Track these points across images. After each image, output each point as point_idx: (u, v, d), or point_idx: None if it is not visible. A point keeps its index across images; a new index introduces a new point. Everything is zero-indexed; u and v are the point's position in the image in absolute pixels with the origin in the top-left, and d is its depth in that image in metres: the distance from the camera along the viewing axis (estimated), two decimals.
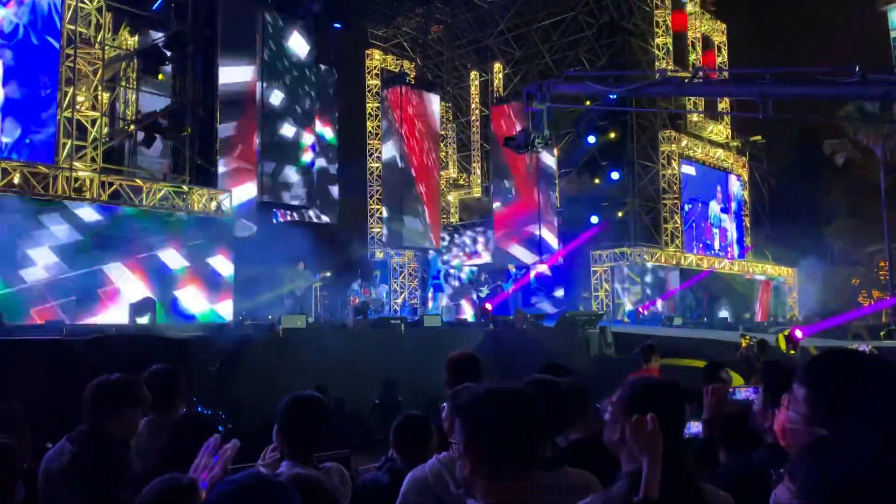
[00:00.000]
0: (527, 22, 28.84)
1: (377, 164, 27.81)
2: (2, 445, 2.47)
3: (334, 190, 24.67)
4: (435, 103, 26.83)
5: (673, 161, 28.05)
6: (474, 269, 29.22)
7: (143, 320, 13.30)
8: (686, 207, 28.63)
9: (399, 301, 28.34)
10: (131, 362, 4.08)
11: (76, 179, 14.73)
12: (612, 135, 27.38)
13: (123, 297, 14.51)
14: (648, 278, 26.68)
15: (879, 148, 30.45)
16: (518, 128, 18.78)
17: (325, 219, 23.90)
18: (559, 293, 26.06)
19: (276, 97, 19.58)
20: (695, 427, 3.18)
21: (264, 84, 19.21)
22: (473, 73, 32.32)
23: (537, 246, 25.03)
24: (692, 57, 29.36)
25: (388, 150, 26.06)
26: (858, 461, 1.38)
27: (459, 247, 29.73)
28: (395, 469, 3.38)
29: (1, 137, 14.34)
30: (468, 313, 26.56)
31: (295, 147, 19.92)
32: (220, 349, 10.75)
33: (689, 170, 29.09)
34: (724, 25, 32.57)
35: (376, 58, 29.29)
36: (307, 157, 20.29)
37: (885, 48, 30.99)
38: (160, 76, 18.45)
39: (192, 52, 18.40)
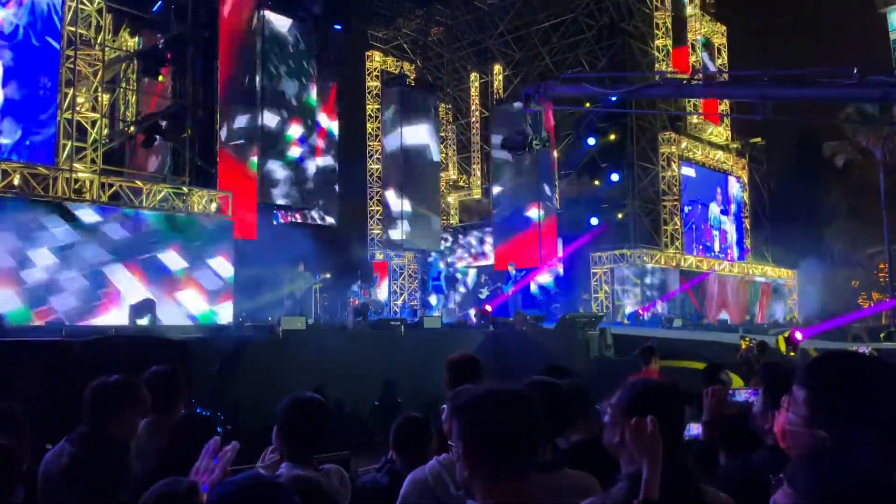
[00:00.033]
0: (527, 24, 28.85)
1: (377, 166, 27.83)
2: (1, 447, 2.47)
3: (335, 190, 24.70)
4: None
5: (673, 163, 28.06)
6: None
7: (143, 321, 13.30)
8: (686, 209, 28.64)
9: (399, 303, 28.33)
10: (131, 363, 4.08)
11: (76, 181, 14.74)
12: (612, 136, 27.39)
13: (124, 299, 14.53)
14: (648, 280, 26.68)
15: (879, 150, 30.46)
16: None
17: (329, 220, 23.90)
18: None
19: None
20: (695, 429, 3.18)
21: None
22: (473, 75, 32.34)
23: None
24: (692, 59, 29.37)
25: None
26: (858, 467, 1.39)
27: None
28: (395, 471, 3.38)
29: (0, 139, 14.35)
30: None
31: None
32: (219, 350, 10.75)
33: (688, 171, 29.10)
34: (724, 27, 32.59)
35: (376, 59, 29.31)
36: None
37: (885, 50, 31.00)
38: (160, 78, 18.46)
39: (192, 53, 18.42)
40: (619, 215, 27.04)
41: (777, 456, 2.02)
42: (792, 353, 12.36)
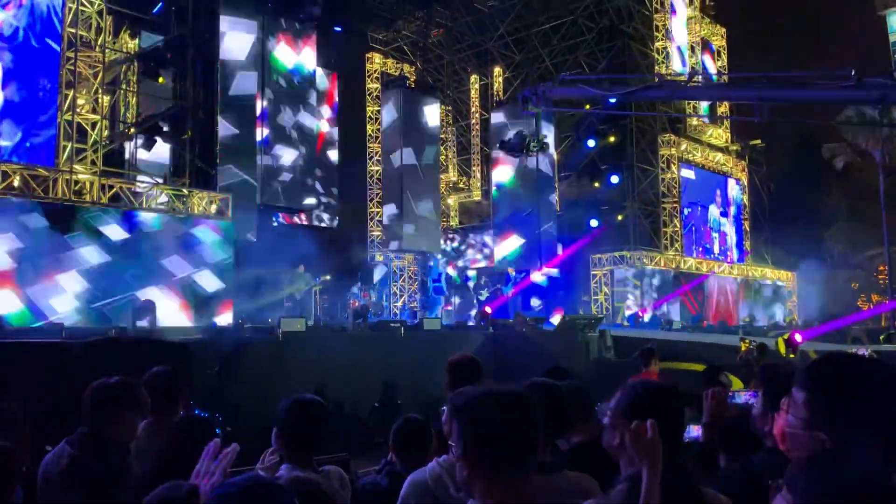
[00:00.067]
0: (527, 26, 28.87)
1: (377, 168, 27.83)
2: (1, 448, 2.47)
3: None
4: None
5: (672, 165, 28.07)
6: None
7: (143, 323, 13.30)
8: (685, 211, 28.65)
9: (399, 304, 28.32)
10: (131, 365, 4.08)
11: (76, 182, 14.74)
12: (612, 138, 27.40)
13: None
14: (648, 282, 26.68)
15: (878, 152, 30.49)
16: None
17: (329, 221, 23.91)
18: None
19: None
20: (694, 431, 3.18)
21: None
22: (473, 77, 32.36)
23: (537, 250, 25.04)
24: (692, 61, 29.38)
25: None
26: (858, 470, 1.39)
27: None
28: (395, 472, 3.38)
29: (0, 140, 14.36)
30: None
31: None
32: (219, 352, 10.74)
33: (688, 173, 29.10)
34: (723, 29, 32.61)
35: (376, 61, 29.32)
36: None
37: (885, 52, 31.03)
38: (160, 79, 18.47)
39: (193, 55, 18.43)
40: (619, 217, 27.04)
41: (777, 458, 2.02)
42: (791, 355, 12.37)
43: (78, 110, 15.00)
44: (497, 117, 26.88)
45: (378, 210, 27.62)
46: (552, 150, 25.82)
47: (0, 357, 8.65)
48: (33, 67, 14.76)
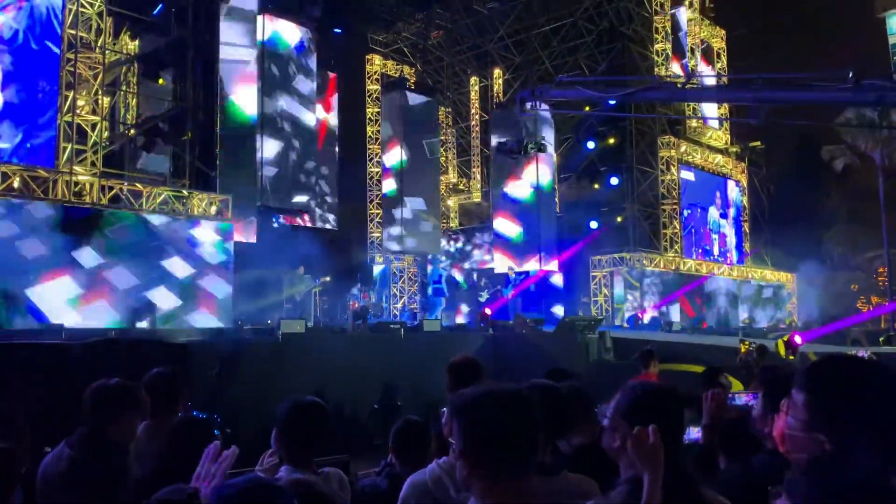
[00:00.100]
0: (526, 28, 28.89)
1: (377, 169, 27.84)
2: (0, 449, 2.47)
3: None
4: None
5: (672, 166, 28.07)
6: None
7: (143, 324, 13.30)
8: (685, 213, 28.65)
9: (398, 306, 28.32)
10: (130, 366, 4.08)
11: (76, 184, 14.74)
12: (612, 140, 27.41)
13: None
14: (647, 283, 26.68)
15: (878, 153, 30.49)
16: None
17: (329, 223, 23.91)
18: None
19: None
20: (694, 433, 3.18)
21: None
22: (473, 79, 32.37)
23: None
24: (691, 63, 29.40)
25: None
26: (858, 473, 1.39)
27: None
28: (395, 474, 3.38)
29: (0, 142, 14.37)
30: None
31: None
32: (219, 353, 10.74)
33: (687, 175, 29.11)
34: (723, 31, 32.63)
35: (376, 63, 29.33)
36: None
37: (884, 54, 31.07)
38: (160, 81, 18.48)
39: (193, 56, 18.44)
40: (619, 219, 27.04)
41: (777, 460, 2.02)
42: (791, 357, 12.38)
43: (78, 111, 15.00)
44: (497, 119, 26.88)
45: (378, 211, 27.62)
46: (552, 151, 25.85)
47: (0, 358, 8.65)
48: (33, 70, 14.78)
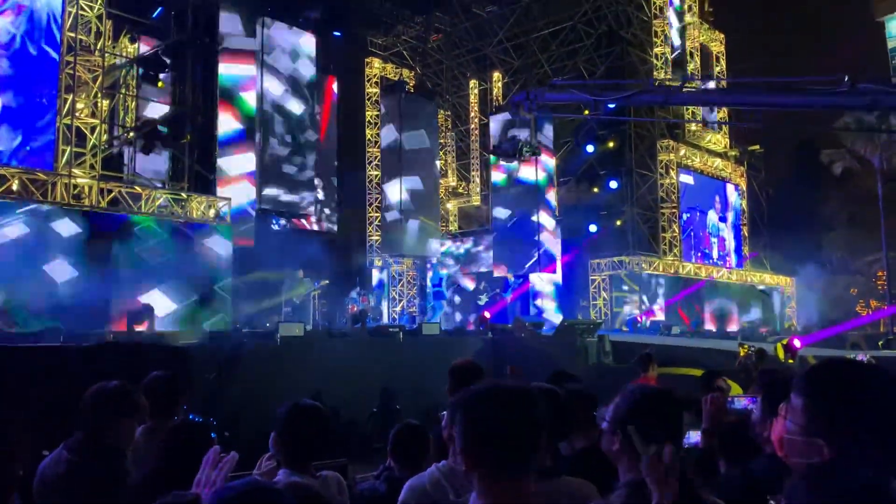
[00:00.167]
0: (526, 31, 28.92)
1: (377, 172, 27.84)
2: None
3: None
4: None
5: (671, 170, 28.09)
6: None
7: (141, 327, 13.29)
8: (684, 216, 28.66)
9: (397, 309, 28.30)
10: (129, 369, 4.08)
11: (75, 186, 14.74)
12: (611, 144, 27.44)
13: None
14: (647, 287, 26.68)
15: (877, 157, 30.55)
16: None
17: (328, 226, 23.89)
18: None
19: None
20: (694, 437, 3.18)
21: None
22: (472, 82, 32.40)
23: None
24: (690, 67, 29.44)
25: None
26: (857, 479, 1.38)
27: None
28: (393, 478, 3.37)
29: None
30: None
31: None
32: (218, 357, 10.74)
33: (687, 179, 29.13)
34: (722, 35, 32.68)
35: (376, 66, 29.34)
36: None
37: (883, 58, 31.15)
38: (159, 83, 18.49)
39: (192, 59, 18.45)
40: (618, 222, 27.05)
41: (776, 464, 2.02)
42: (790, 361, 12.37)
43: (77, 114, 15.01)
44: (496, 122, 26.90)
45: (377, 215, 27.62)
46: (552, 155, 25.88)
47: None
48: (31, 74, 14.77)
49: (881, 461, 1.43)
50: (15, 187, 13.93)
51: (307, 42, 21.23)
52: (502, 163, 22.15)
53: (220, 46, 18.62)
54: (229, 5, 18.99)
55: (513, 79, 30.52)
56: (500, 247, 26.09)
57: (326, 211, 23.82)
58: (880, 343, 20.46)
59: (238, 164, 18.87)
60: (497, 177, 26.68)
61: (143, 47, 19.12)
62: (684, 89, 13.26)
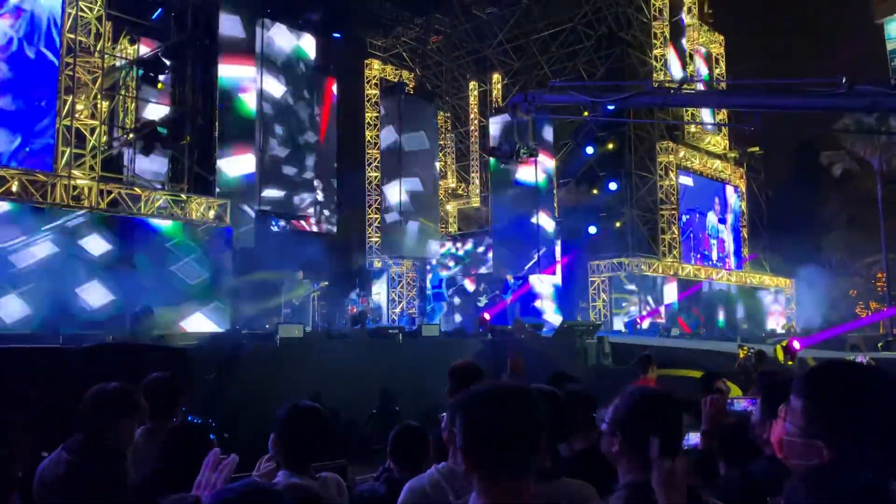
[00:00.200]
0: (525, 33, 28.95)
1: (376, 174, 27.85)
2: None
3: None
4: None
5: (671, 172, 28.11)
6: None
7: (142, 328, 13.27)
8: (684, 218, 28.67)
9: (397, 311, 28.28)
10: (128, 371, 4.08)
11: (75, 188, 14.74)
12: (610, 146, 27.47)
13: None
14: (646, 289, 26.69)
15: (876, 159, 30.57)
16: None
17: (327, 227, 23.87)
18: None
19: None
20: (693, 438, 3.18)
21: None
22: (472, 84, 32.41)
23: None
24: (690, 69, 29.45)
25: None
26: (857, 481, 1.38)
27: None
28: (393, 479, 3.37)
29: None
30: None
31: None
32: (217, 358, 10.73)
33: (686, 181, 29.15)
34: (721, 37, 32.72)
35: (375, 67, 29.36)
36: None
37: (883, 59, 31.18)
38: (159, 85, 18.50)
39: (192, 61, 18.45)
40: (617, 224, 27.07)
41: (776, 466, 2.02)
42: (790, 363, 12.37)
43: (77, 116, 15.01)
44: (495, 124, 26.92)
45: (376, 216, 27.63)
46: (551, 156, 25.89)
47: None
48: (31, 77, 14.77)
49: (881, 463, 1.43)
50: (14, 188, 13.93)
51: (307, 43, 21.24)
52: (501, 165, 22.18)
53: (219, 48, 18.61)
54: (229, 7, 19.01)
55: (512, 80, 30.53)
56: (500, 248, 26.08)
57: (326, 212, 23.78)
58: (880, 345, 20.48)
59: (237, 165, 18.88)
60: (497, 178, 26.67)
61: (143, 49, 19.11)
62: (682, 90, 13.27)
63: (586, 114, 20.69)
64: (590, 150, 27.57)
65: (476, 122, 32.36)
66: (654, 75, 26.92)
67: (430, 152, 27.36)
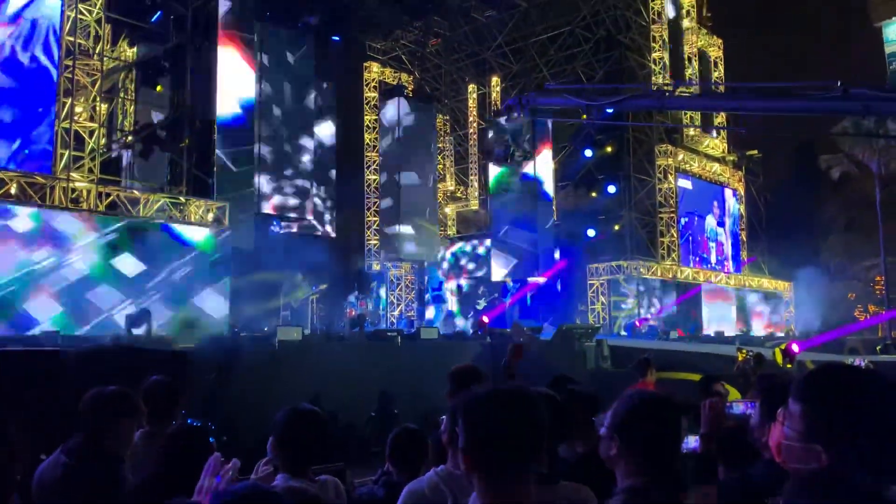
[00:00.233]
0: (524, 36, 28.98)
1: (375, 177, 27.86)
2: None
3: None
4: None
5: (669, 175, 28.12)
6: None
7: (139, 331, 13.27)
8: (682, 221, 28.68)
9: (396, 313, 28.28)
10: (128, 373, 4.07)
11: (73, 190, 14.73)
12: (609, 149, 27.47)
13: None
14: (645, 292, 26.69)
15: (875, 162, 30.61)
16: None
17: (327, 230, 23.90)
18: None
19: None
20: (692, 441, 3.17)
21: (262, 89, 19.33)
22: (471, 87, 32.44)
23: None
24: (688, 72, 29.49)
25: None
26: (856, 485, 1.38)
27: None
28: (392, 482, 3.37)
29: None
30: None
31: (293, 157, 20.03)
32: (215, 361, 10.71)
33: (685, 184, 29.16)
34: (720, 40, 32.76)
35: (374, 70, 29.39)
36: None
37: (881, 63, 31.23)
38: (158, 88, 18.51)
39: (191, 64, 18.46)
40: (616, 227, 27.07)
41: (775, 469, 2.02)
42: (788, 366, 12.36)
43: (75, 118, 15.00)
44: (494, 127, 26.95)
45: (375, 219, 27.63)
46: (550, 159, 25.90)
47: None
48: (30, 83, 14.76)
49: (879, 467, 1.43)
50: (13, 191, 13.93)
51: (306, 47, 21.25)
52: (499, 167, 22.20)
53: (218, 50, 18.61)
54: (228, 9, 18.99)
55: (511, 83, 30.56)
56: (499, 251, 26.09)
57: (325, 215, 23.81)
58: (878, 348, 20.47)
59: (236, 167, 18.85)
60: (496, 181, 26.71)
61: (142, 51, 19.12)
62: (677, 93, 13.31)
63: (584, 116, 20.76)
64: (588, 153, 27.58)
65: (475, 124, 32.40)
66: (653, 78, 26.94)
67: (429, 155, 27.37)
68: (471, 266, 28.76)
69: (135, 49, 19.64)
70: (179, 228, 16.20)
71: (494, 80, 31.47)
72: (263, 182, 19.62)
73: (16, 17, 14.76)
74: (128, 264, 14.99)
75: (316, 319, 22.89)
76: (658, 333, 23.52)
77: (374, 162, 27.97)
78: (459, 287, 28.62)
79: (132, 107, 19.32)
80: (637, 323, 25.30)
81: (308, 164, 21.15)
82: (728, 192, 32.55)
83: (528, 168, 24.07)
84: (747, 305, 31.71)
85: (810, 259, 33.61)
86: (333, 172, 25.08)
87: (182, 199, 16.74)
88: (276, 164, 20.12)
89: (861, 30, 34.16)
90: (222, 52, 18.62)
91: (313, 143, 21.80)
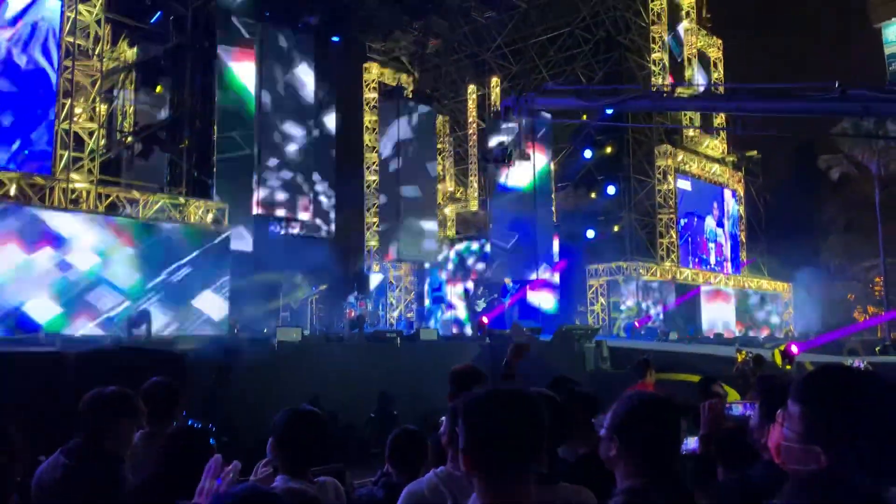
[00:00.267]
0: (524, 37, 29.00)
1: (374, 178, 27.86)
2: None
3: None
4: None
5: (669, 176, 28.12)
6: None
7: (139, 332, 13.28)
8: (682, 222, 28.69)
9: (395, 315, 28.26)
10: (126, 375, 4.07)
11: (73, 191, 14.73)
12: (609, 149, 27.48)
13: None
14: (644, 293, 26.68)
15: (874, 163, 30.63)
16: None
17: (326, 231, 23.88)
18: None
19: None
20: (692, 443, 3.17)
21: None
22: (471, 87, 32.44)
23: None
24: (688, 73, 29.49)
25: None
26: (855, 486, 1.39)
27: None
28: (391, 484, 3.37)
29: None
30: None
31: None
32: (214, 362, 10.71)
33: (684, 184, 29.17)
34: (720, 41, 32.76)
35: (374, 71, 29.38)
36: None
37: (881, 64, 31.25)
38: (158, 88, 18.51)
39: (191, 64, 18.46)
40: (616, 228, 27.08)
41: (774, 470, 2.02)
42: (788, 367, 12.36)
43: (75, 119, 14.99)
44: (494, 127, 26.93)
45: (375, 220, 27.63)
46: (550, 160, 25.90)
47: None
48: (29, 86, 14.77)
49: (878, 468, 1.43)
50: (13, 192, 13.93)
51: (306, 47, 21.25)
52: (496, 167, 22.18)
53: (218, 51, 18.62)
54: (228, 10, 19.01)
55: (511, 84, 30.54)
56: (499, 252, 26.06)
57: (325, 216, 23.79)
58: (877, 349, 20.46)
59: (236, 168, 18.86)
60: (496, 182, 26.68)
61: (142, 52, 19.12)
62: (676, 94, 13.33)
63: (584, 117, 20.78)
64: (588, 153, 27.58)
65: (474, 125, 32.39)
66: (653, 79, 26.95)
67: (429, 156, 27.37)
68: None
69: (135, 49, 19.62)
70: (179, 229, 16.19)
71: (494, 80, 31.46)
72: (263, 182, 19.61)
73: (15, 21, 14.76)
74: (127, 265, 14.98)
75: (315, 320, 22.89)
76: (658, 334, 23.53)
77: (374, 162, 27.97)
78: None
79: (131, 107, 19.32)
80: (636, 324, 25.30)
81: (307, 164, 21.14)
82: (727, 193, 32.56)
83: (527, 169, 24.05)
84: (747, 306, 31.72)
85: (810, 260, 33.62)
86: (333, 173, 25.08)
87: (182, 199, 16.74)
88: (275, 165, 20.11)
89: (861, 31, 34.18)
90: (221, 53, 18.64)
91: (313, 143, 21.79)
